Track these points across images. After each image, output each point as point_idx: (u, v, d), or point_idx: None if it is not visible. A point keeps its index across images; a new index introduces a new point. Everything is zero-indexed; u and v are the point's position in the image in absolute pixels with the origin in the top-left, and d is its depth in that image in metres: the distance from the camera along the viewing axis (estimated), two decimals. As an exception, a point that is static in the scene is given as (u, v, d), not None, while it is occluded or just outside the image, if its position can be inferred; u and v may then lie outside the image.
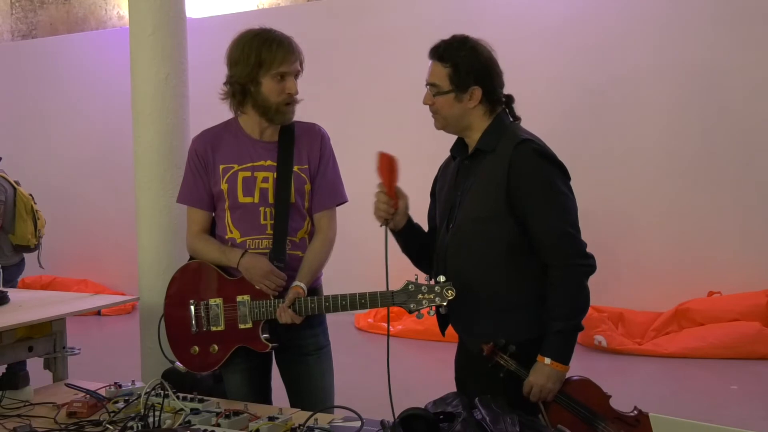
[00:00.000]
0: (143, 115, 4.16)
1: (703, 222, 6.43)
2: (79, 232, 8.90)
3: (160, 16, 4.13)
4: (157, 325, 4.14)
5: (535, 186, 2.23)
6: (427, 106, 2.38)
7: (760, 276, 6.16)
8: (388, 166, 2.26)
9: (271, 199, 2.54)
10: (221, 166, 2.57)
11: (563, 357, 2.23)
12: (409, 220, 2.39)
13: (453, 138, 2.47)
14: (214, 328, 2.53)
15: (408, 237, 2.42)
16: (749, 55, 6.25)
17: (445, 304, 2.18)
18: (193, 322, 2.55)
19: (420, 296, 2.19)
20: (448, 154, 2.58)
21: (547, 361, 2.21)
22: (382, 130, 7.35)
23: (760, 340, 5.79)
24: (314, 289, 2.60)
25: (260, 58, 2.46)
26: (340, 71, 7.48)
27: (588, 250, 2.28)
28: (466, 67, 2.26)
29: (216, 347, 2.53)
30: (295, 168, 2.56)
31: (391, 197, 2.30)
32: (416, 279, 2.21)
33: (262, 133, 2.58)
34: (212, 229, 2.68)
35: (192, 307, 2.55)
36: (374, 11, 7.56)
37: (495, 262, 2.27)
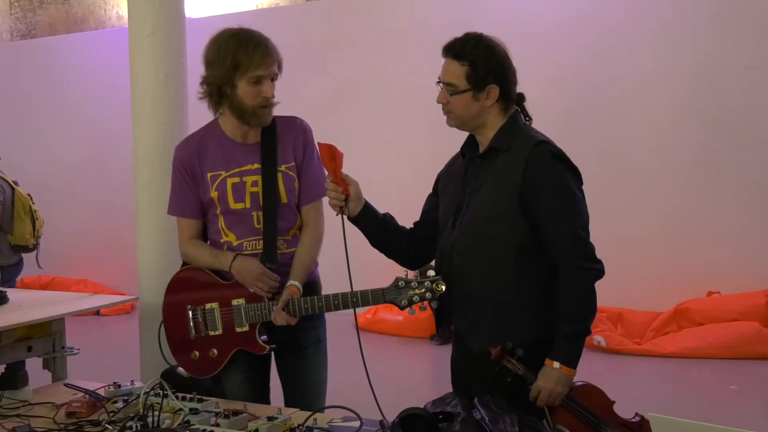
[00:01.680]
0: (143, 115, 4.16)
1: (702, 222, 6.43)
2: (79, 232, 8.89)
3: (160, 16, 4.12)
4: (157, 325, 4.15)
5: (550, 188, 2.22)
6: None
7: (759, 276, 6.16)
8: (328, 154, 2.26)
9: (262, 203, 2.53)
10: (209, 174, 2.54)
11: (572, 361, 2.22)
12: (366, 207, 2.38)
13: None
14: (212, 333, 2.52)
15: (367, 223, 2.40)
16: (749, 55, 6.25)
17: (435, 299, 2.17)
18: (192, 327, 2.55)
19: (411, 292, 2.19)
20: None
21: (556, 365, 2.19)
22: (381, 129, 7.35)
23: (760, 340, 5.79)
24: (312, 283, 2.60)
25: (236, 61, 2.41)
26: (339, 70, 7.48)
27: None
28: (484, 65, 2.24)
29: (215, 351, 2.53)
30: (283, 167, 2.55)
31: (338, 184, 2.29)
32: (406, 275, 2.22)
33: (244, 136, 2.56)
34: (204, 233, 2.67)
35: (189, 313, 2.55)
36: (373, 11, 7.55)
37: (502, 262, 2.26)
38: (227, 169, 2.54)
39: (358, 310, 2.37)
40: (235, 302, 2.49)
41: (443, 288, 2.16)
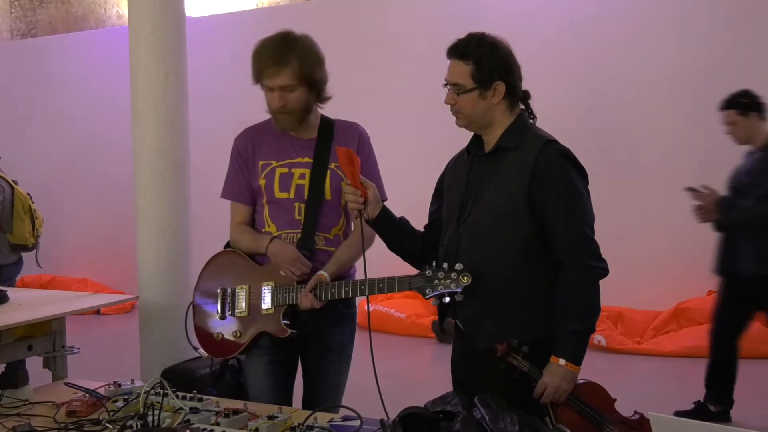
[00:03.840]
0: (143, 114, 4.16)
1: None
2: (79, 231, 8.89)
3: (160, 15, 4.12)
4: (157, 324, 4.16)
5: (559, 187, 2.24)
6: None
7: (759, 275, 6.15)
8: (346, 158, 2.28)
9: (306, 196, 2.59)
10: (260, 162, 2.63)
11: (577, 358, 2.23)
12: (384, 210, 2.40)
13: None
14: (238, 314, 2.58)
15: (386, 226, 2.42)
16: (750, 55, 6.24)
17: (459, 290, 2.17)
18: (219, 308, 2.61)
19: (436, 281, 2.19)
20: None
21: (562, 361, 2.21)
22: (382, 129, 7.31)
23: (760, 339, 5.78)
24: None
25: (253, 70, 2.55)
26: (339, 70, 7.44)
27: None
28: (488, 62, 2.25)
29: (239, 333, 2.58)
30: (332, 165, 2.60)
31: (356, 187, 2.31)
32: (434, 264, 2.21)
33: (298, 131, 2.63)
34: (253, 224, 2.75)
35: (219, 294, 2.61)
36: (374, 11, 7.55)
37: (509, 259, 2.27)
38: (278, 159, 2.62)
39: (361, 299, 2.40)
40: (264, 285, 2.54)
41: (469, 280, 2.15)
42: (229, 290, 2.60)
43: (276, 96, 2.51)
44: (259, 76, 2.53)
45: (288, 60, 2.50)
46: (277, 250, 2.55)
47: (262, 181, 2.61)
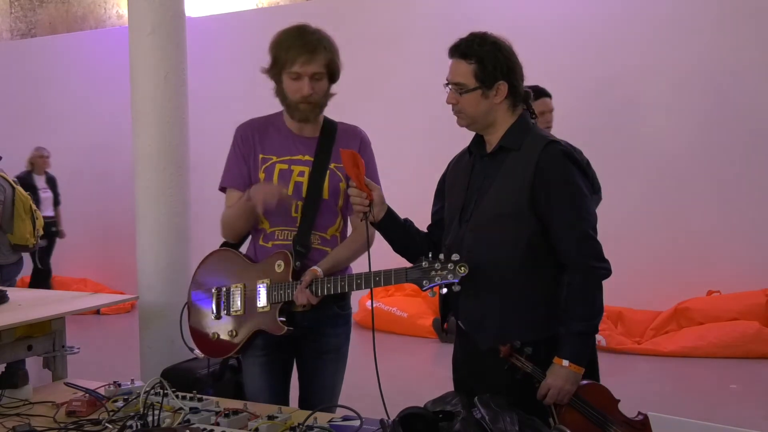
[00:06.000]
0: (143, 114, 4.16)
1: (702, 221, 6.43)
2: (79, 231, 8.89)
3: (160, 15, 4.13)
4: (156, 324, 4.15)
5: (561, 187, 2.23)
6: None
7: (759, 275, 6.16)
8: (351, 161, 2.28)
9: (304, 193, 2.57)
10: (261, 156, 2.62)
11: (580, 359, 2.22)
12: (389, 212, 2.39)
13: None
14: (233, 313, 2.56)
15: (391, 228, 2.42)
16: (752, 54, 6.24)
17: (457, 281, 2.15)
18: (214, 307, 2.59)
19: (433, 273, 2.17)
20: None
21: (565, 363, 2.20)
22: (382, 129, 7.33)
23: (759, 339, 5.79)
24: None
25: (278, 57, 2.53)
26: (340, 70, 7.47)
27: None
28: (491, 62, 2.25)
29: (235, 332, 2.56)
30: (332, 165, 2.59)
31: (362, 190, 2.31)
32: (431, 256, 2.21)
33: (301, 129, 2.62)
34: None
35: (214, 293, 2.60)
36: (374, 11, 7.55)
37: (512, 260, 2.26)
38: (279, 155, 2.61)
39: (361, 298, 2.36)
40: (260, 282, 2.53)
41: (466, 270, 2.14)
42: (224, 289, 2.59)
43: (306, 84, 2.50)
44: (285, 64, 2.50)
45: (320, 47, 2.51)
46: (252, 192, 2.47)
47: (261, 175, 2.60)
